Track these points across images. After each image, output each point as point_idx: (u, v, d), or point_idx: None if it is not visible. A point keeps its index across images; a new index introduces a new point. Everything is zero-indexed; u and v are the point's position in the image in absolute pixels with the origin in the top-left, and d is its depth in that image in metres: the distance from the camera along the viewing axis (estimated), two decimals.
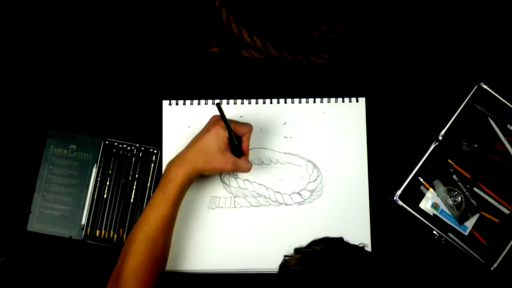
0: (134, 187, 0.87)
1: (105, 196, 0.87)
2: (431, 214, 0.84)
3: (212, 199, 0.85)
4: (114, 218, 0.88)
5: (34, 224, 0.87)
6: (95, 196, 0.87)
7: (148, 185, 0.87)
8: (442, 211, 0.84)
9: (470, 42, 0.88)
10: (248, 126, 0.78)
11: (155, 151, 0.86)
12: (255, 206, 0.86)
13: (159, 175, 0.86)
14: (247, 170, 0.79)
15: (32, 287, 0.86)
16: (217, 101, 0.75)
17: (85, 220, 0.87)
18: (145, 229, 0.77)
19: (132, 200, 0.87)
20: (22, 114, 0.86)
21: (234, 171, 0.80)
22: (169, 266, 0.86)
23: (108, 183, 0.87)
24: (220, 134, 0.76)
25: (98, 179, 0.86)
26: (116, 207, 0.87)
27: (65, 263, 0.87)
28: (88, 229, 0.88)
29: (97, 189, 0.87)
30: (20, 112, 0.86)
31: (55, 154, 0.86)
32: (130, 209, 0.87)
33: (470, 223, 0.84)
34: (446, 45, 0.88)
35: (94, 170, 0.86)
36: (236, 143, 0.78)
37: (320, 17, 0.86)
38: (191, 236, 0.86)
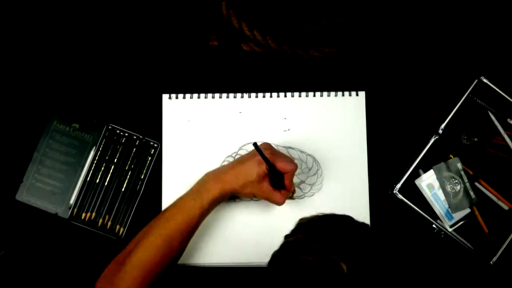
0: (128, 176, 0.88)
1: (97, 180, 0.88)
2: (425, 195, 0.85)
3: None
4: (103, 203, 0.88)
5: (23, 195, 0.88)
6: (88, 179, 0.88)
7: (142, 177, 0.88)
8: (435, 195, 0.85)
9: (471, 36, 0.90)
10: (291, 165, 0.80)
11: (155, 145, 0.88)
12: (255, 200, 0.87)
13: (155, 169, 0.88)
14: (278, 204, 0.81)
15: (30, 279, 0.86)
16: (254, 141, 0.79)
17: (73, 200, 0.88)
18: (166, 226, 0.78)
19: (123, 189, 0.88)
20: (32, 86, 0.89)
21: (266, 200, 0.82)
22: None
23: (103, 168, 0.88)
24: (261, 165, 0.79)
25: (94, 162, 0.88)
26: (107, 193, 0.88)
27: (47, 238, 0.87)
28: (75, 210, 0.88)
29: (91, 172, 0.88)
30: (31, 84, 0.89)
31: (57, 129, 0.88)
32: (119, 198, 0.88)
33: (459, 215, 0.84)
34: (446, 39, 0.90)
35: (92, 153, 0.88)
36: (276, 176, 0.80)
37: (320, 10, 0.86)
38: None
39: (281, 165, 0.79)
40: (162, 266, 0.80)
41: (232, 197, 0.87)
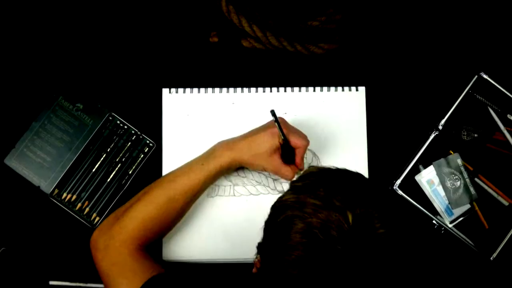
0: (117, 169, 0.89)
1: (86, 165, 0.89)
2: (425, 190, 0.84)
3: (211, 187, 0.87)
4: (86, 188, 0.88)
5: (12, 160, 0.88)
6: (78, 161, 0.88)
7: (130, 172, 0.89)
8: (435, 190, 0.85)
9: (471, 32, 0.92)
10: (303, 141, 0.81)
11: (150, 144, 0.90)
12: (254, 195, 0.87)
13: (145, 168, 0.88)
14: (287, 178, 0.82)
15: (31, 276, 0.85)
16: (271, 109, 0.79)
17: (59, 178, 0.88)
18: (170, 186, 0.79)
19: (109, 180, 0.88)
20: (46, 60, 0.91)
21: (275, 174, 0.83)
22: (167, 256, 0.86)
23: (95, 154, 0.89)
24: (275, 137, 0.80)
25: (88, 146, 0.89)
26: (92, 179, 0.88)
27: (23, 208, 0.87)
28: (57, 188, 0.88)
29: (82, 154, 0.89)
30: (45, 57, 0.91)
31: (61, 105, 0.90)
32: (103, 187, 0.88)
33: (459, 211, 0.84)
34: (446, 35, 0.92)
35: (88, 136, 0.89)
36: (288, 151, 0.81)
37: (319, 6, 0.88)
38: (190, 224, 0.87)
39: (294, 140, 0.80)
40: (160, 225, 0.79)
41: (232, 192, 0.87)
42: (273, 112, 0.77)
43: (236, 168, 0.83)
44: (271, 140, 0.79)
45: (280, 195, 0.86)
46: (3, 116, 0.89)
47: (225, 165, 0.80)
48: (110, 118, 0.90)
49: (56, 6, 0.91)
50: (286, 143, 0.79)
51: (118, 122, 0.90)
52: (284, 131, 0.79)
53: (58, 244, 0.86)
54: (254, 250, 0.84)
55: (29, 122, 0.88)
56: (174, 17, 0.93)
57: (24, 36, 0.91)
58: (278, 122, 0.78)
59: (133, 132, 0.89)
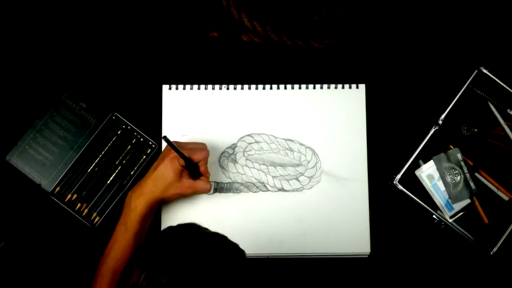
0: (117, 170, 0.91)
1: (87, 164, 0.91)
2: (425, 185, 0.86)
3: (210, 184, 0.88)
4: (87, 188, 0.90)
5: (14, 157, 0.91)
6: (79, 160, 0.91)
7: (132, 173, 0.91)
8: (435, 185, 0.86)
9: (470, 26, 0.94)
10: (203, 153, 0.84)
11: (153, 146, 0.92)
12: (253, 192, 0.90)
13: (147, 168, 0.88)
14: (205, 191, 0.85)
15: (30, 271, 0.88)
16: (163, 134, 0.84)
17: (60, 176, 0.90)
18: (107, 261, 0.82)
19: (108, 182, 0.91)
20: (51, 59, 0.94)
21: (193, 193, 0.86)
22: None
23: (96, 154, 0.91)
24: (174, 162, 0.82)
25: (90, 146, 0.91)
26: (93, 179, 0.91)
27: (23, 205, 0.89)
28: (58, 187, 0.90)
29: (84, 154, 0.91)
30: (51, 56, 0.94)
31: (64, 103, 0.92)
32: (104, 187, 0.90)
33: (459, 205, 0.85)
34: (446, 30, 0.94)
35: (91, 136, 0.91)
36: (193, 167, 0.84)
37: (320, 1, 0.90)
38: (188, 221, 0.86)
39: (195, 156, 0.83)
40: None
41: (231, 189, 0.90)
42: (166, 138, 0.78)
43: (159, 204, 0.85)
44: (172, 166, 0.82)
45: (278, 192, 0.91)
46: (6, 113, 0.92)
47: (144, 214, 0.82)
48: (113, 118, 0.92)
49: (58, 6, 0.95)
50: (189, 162, 0.82)
51: (121, 122, 0.92)
52: (183, 152, 0.81)
53: (58, 242, 0.88)
54: (252, 247, 0.87)
55: (32, 119, 0.91)
56: (174, 12, 0.95)
57: (28, 35, 0.94)
58: (175, 148, 0.80)
59: (135, 133, 0.92)
